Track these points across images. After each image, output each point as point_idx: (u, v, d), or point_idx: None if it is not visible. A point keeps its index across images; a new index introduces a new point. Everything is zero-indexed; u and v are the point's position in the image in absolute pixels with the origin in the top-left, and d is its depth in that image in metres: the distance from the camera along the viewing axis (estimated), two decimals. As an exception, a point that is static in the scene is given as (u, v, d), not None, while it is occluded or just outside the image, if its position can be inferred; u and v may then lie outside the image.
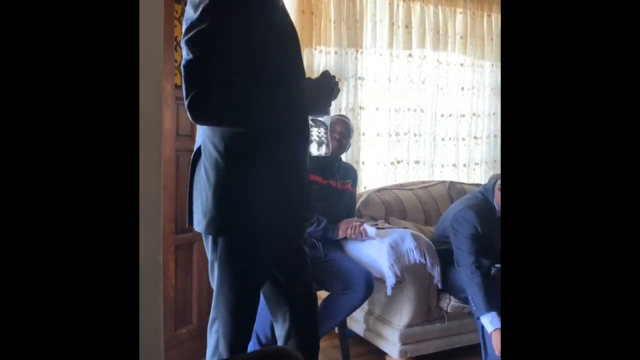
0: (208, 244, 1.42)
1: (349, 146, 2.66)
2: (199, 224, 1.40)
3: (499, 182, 2.37)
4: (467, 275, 2.25)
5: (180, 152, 2.27)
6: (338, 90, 1.45)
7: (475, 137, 3.62)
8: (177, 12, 2.25)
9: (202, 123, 1.35)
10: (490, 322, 2.18)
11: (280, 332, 1.58)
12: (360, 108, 3.16)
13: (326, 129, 1.42)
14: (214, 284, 1.43)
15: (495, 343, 2.16)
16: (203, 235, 1.42)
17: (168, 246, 2.23)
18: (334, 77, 1.42)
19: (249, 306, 1.44)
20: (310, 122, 1.42)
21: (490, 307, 2.18)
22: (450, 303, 2.45)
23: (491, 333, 2.18)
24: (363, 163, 3.20)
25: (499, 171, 3.60)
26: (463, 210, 2.35)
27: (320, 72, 1.45)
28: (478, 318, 2.22)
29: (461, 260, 2.30)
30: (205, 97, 1.26)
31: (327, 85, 1.40)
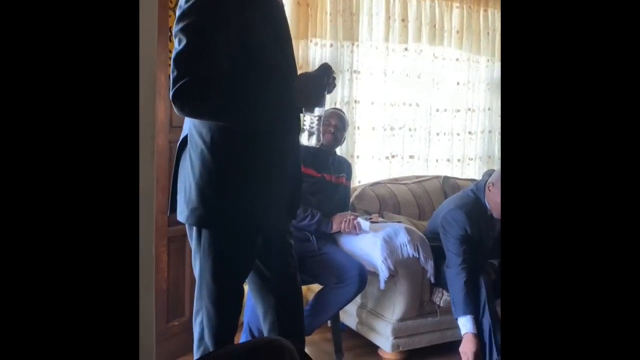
0: (192, 234, 1.41)
1: (344, 140, 2.65)
2: (181, 213, 1.39)
3: (490, 180, 2.38)
4: (452, 276, 2.28)
5: (173, 143, 2.24)
6: (334, 86, 1.43)
7: (469, 132, 3.62)
8: (171, 2, 2.23)
9: (187, 115, 1.34)
10: (463, 325, 2.21)
11: (265, 325, 1.58)
12: (355, 102, 3.15)
13: (319, 120, 1.40)
14: (196, 274, 1.42)
15: (464, 346, 2.18)
16: (187, 225, 1.42)
17: (161, 238, 2.22)
18: (332, 71, 1.38)
19: (232, 297, 1.44)
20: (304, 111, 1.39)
21: (467, 311, 2.20)
22: (442, 297, 2.46)
23: (463, 335, 2.20)
24: (357, 157, 3.19)
25: (493, 166, 3.60)
26: (453, 210, 2.36)
27: (318, 65, 1.42)
28: (456, 318, 2.25)
29: (449, 260, 2.32)
30: (192, 89, 1.24)
31: (319, 80, 1.35)
